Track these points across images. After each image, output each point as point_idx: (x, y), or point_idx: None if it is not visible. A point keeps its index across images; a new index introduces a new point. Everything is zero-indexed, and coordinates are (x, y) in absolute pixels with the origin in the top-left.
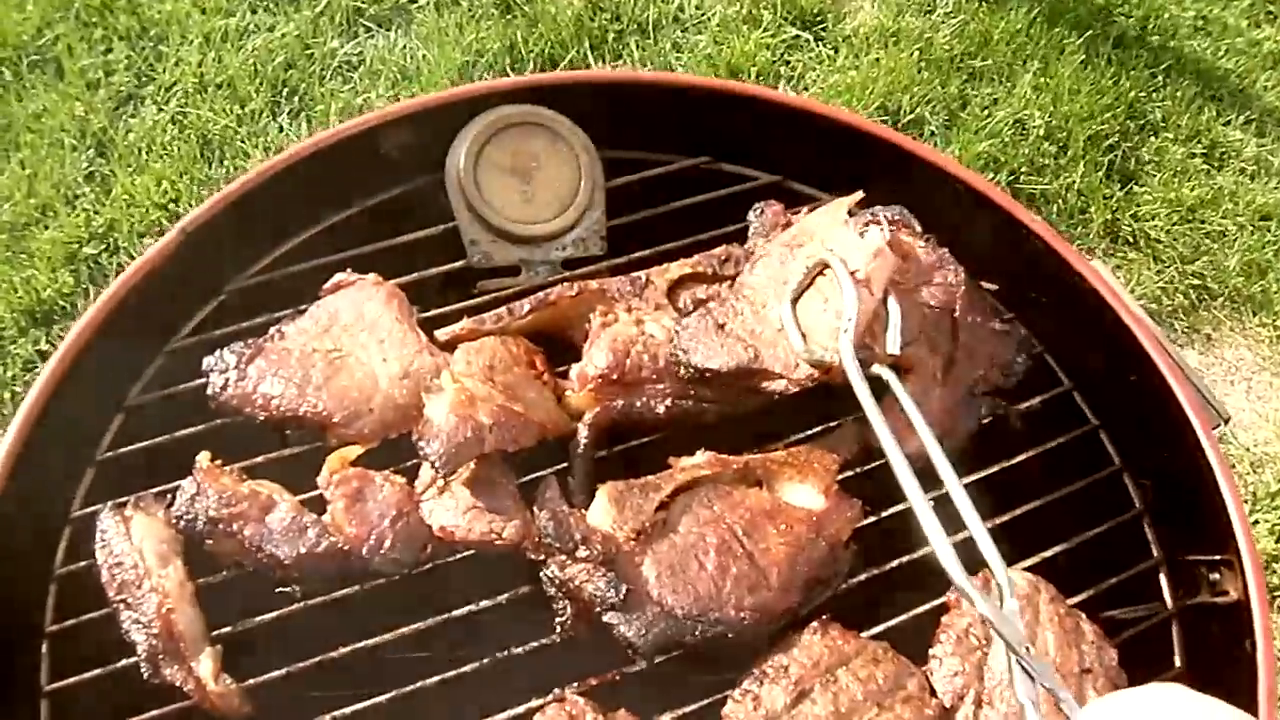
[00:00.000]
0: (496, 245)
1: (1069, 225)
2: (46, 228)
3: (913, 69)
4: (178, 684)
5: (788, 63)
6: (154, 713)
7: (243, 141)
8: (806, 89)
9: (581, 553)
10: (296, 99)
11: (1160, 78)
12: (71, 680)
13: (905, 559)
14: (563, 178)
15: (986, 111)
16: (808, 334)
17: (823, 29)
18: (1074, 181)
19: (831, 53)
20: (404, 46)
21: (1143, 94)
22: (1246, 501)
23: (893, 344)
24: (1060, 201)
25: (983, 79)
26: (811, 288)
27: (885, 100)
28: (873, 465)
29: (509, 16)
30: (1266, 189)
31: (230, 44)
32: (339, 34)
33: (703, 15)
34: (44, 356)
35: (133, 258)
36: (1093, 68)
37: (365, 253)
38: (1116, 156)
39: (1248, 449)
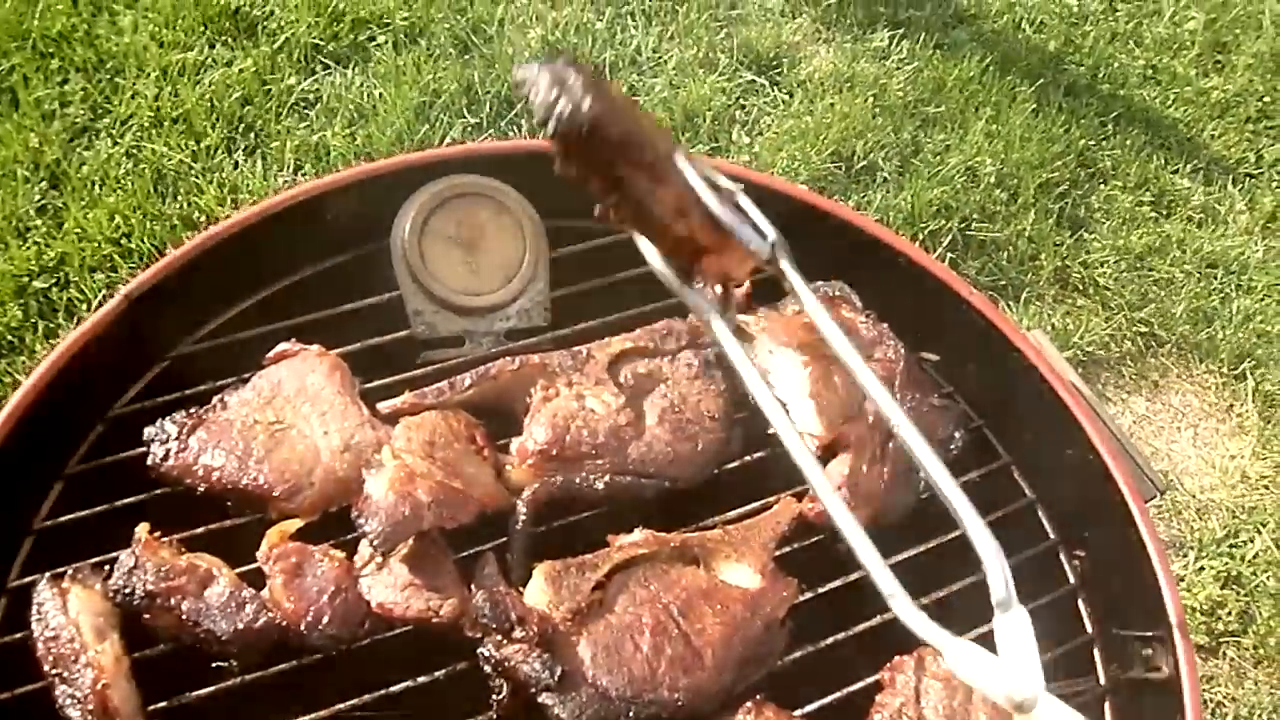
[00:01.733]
0: (440, 316)
1: (1019, 271)
2: None
3: (867, 115)
4: None
5: (743, 107)
6: None
7: (197, 177)
8: (761, 134)
9: (517, 633)
10: (253, 135)
11: (1110, 126)
12: None
13: (841, 635)
14: (508, 248)
15: (939, 158)
16: None
17: (778, 74)
18: (1024, 228)
19: (786, 97)
20: (361, 85)
21: (1093, 142)
22: (1193, 548)
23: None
24: (1011, 248)
25: (936, 125)
26: None
27: (839, 146)
28: (809, 540)
29: (466, 57)
30: (1213, 237)
31: (187, 78)
32: (296, 71)
33: (659, 58)
34: None
35: (83, 292)
36: (1044, 115)
37: (308, 320)
38: (1066, 204)
39: (1193, 495)
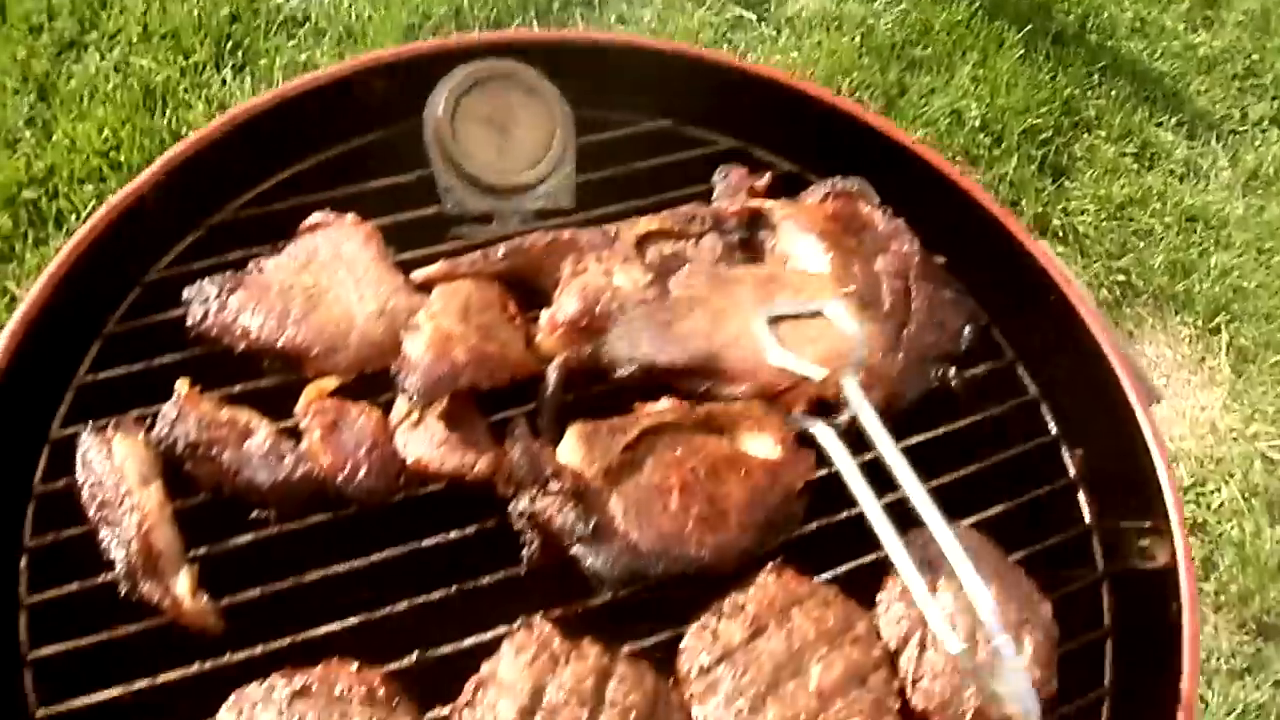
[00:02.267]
0: (470, 193)
1: None
2: None
3: (853, 54)
4: (154, 600)
5: (730, 41)
6: (130, 628)
7: (186, 92)
8: None
9: (552, 486)
10: (240, 52)
11: (1096, 76)
12: (50, 594)
13: (856, 510)
14: (537, 132)
15: (924, 100)
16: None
17: (766, 10)
18: (1007, 173)
19: (774, 33)
20: (349, 5)
21: (1078, 91)
22: None
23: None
24: (994, 192)
25: (922, 68)
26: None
27: (825, 84)
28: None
29: None
30: (1195, 191)
31: None
32: None
33: None
34: None
35: (72, 203)
36: (1031, 63)
37: (340, 195)
38: (1049, 151)
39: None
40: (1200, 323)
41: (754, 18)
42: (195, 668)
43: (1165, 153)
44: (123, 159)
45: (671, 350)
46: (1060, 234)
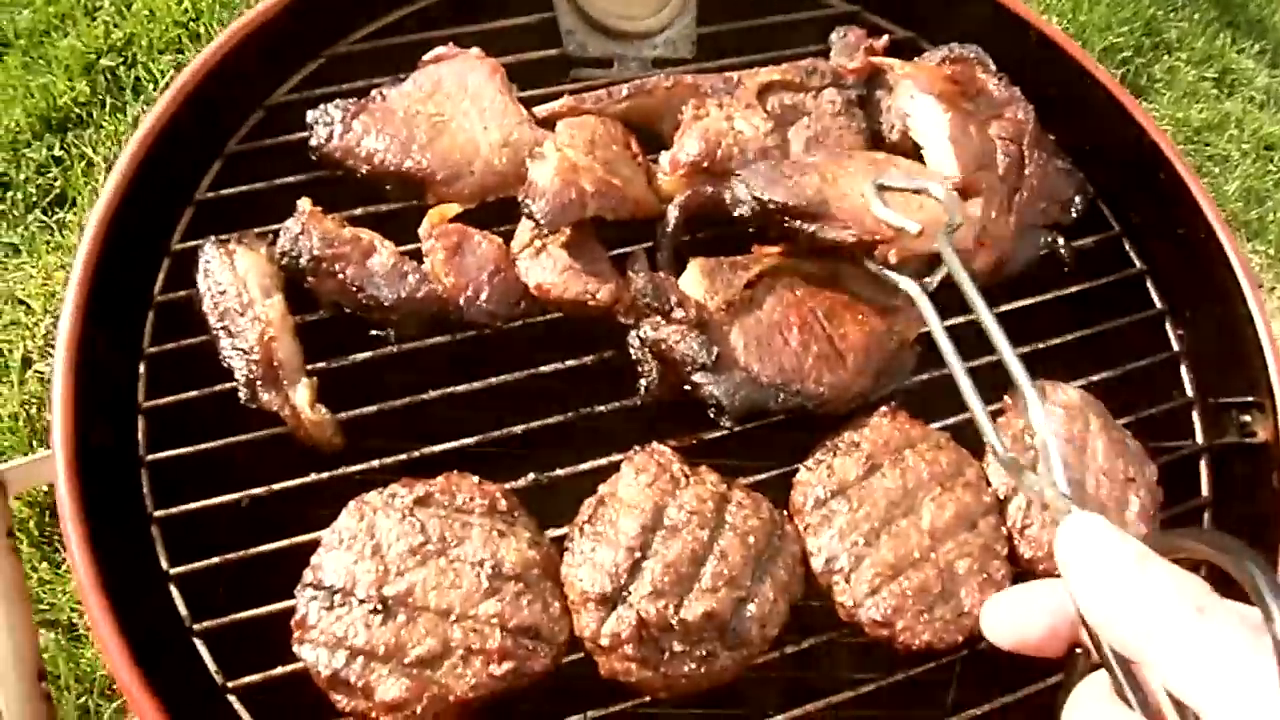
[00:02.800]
0: (592, 36)
1: None
2: (65, 35)
3: None
4: (274, 409)
5: None
6: (247, 436)
7: None
8: None
9: (676, 315)
10: None
11: None
12: (167, 400)
13: (968, 364)
14: None
15: None
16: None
17: None
18: None
19: None
20: None
21: (1161, 12)
22: None
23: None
24: None
25: None
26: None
27: None
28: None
29: None
30: (1274, 119)
31: None
32: None
33: None
34: (58, 162)
35: (150, 72)
36: None
37: (462, 33)
38: (1129, 70)
39: None
40: (1272, 251)
41: None
42: (312, 477)
43: (1246, 79)
44: (201, 30)
45: (787, 192)
46: None
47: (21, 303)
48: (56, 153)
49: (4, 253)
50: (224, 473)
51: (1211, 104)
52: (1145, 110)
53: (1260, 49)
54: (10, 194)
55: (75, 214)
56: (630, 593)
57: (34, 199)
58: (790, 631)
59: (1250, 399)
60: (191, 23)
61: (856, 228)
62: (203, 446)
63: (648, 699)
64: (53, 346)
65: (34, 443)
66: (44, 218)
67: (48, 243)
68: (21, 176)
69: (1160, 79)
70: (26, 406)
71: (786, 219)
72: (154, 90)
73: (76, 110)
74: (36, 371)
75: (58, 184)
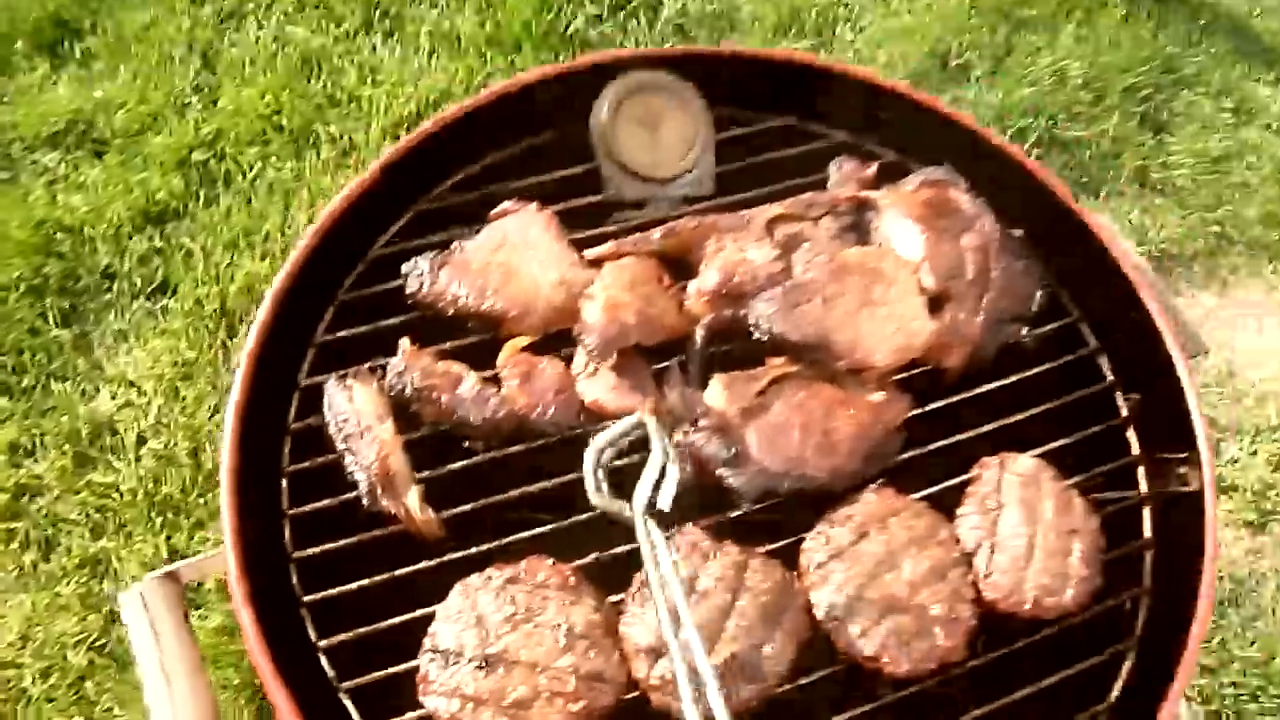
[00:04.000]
0: (628, 183)
1: (1100, 169)
2: (158, 134)
3: (963, 15)
4: (391, 512)
5: (845, 4)
6: (370, 534)
7: (339, 59)
8: (863, 30)
9: (702, 423)
10: (388, 20)
11: (1196, 34)
12: (307, 508)
13: (944, 442)
14: (683, 130)
15: (1029, 59)
16: None
17: None
18: (1108, 129)
19: None
20: None
21: (1178, 49)
22: (1249, 433)
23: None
24: (1094, 146)
25: (1028, 28)
26: None
27: (935, 44)
28: (916, 371)
29: None
30: None
31: None
32: None
33: None
34: (159, 253)
35: (239, 164)
36: (1133, 21)
37: (523, 185)
38: (1150, 107)
39: (1253, 384)
40: None
41: None
42: (423, 564)
43: (1262, 108)
44: (284, 122)
45: (794, 328)
46: (1159, 187)
47: (132, 384)
48: (157, 244)
49: (113, 339)
50: (355, 563)
51: (1230, 133)
52: (1164, 144)
53: (1275, 77)
54: (116, 284)
55: (177, 300)
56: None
57: (138, 288)
58: (798, 666)
59: (1185, 454)
60: (275, 115)
61: (846, 358)
62: (337, 544)
63: None
64: (164, 425)
65: (152, 515)
66: (148, 304)
67: (153, 328)
68: (125, 267)
69: (1181, 113)
70: (144, 482)
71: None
72: (243, 180)
73: (173, 203)
74: (150, 449)
75: (160, 273)
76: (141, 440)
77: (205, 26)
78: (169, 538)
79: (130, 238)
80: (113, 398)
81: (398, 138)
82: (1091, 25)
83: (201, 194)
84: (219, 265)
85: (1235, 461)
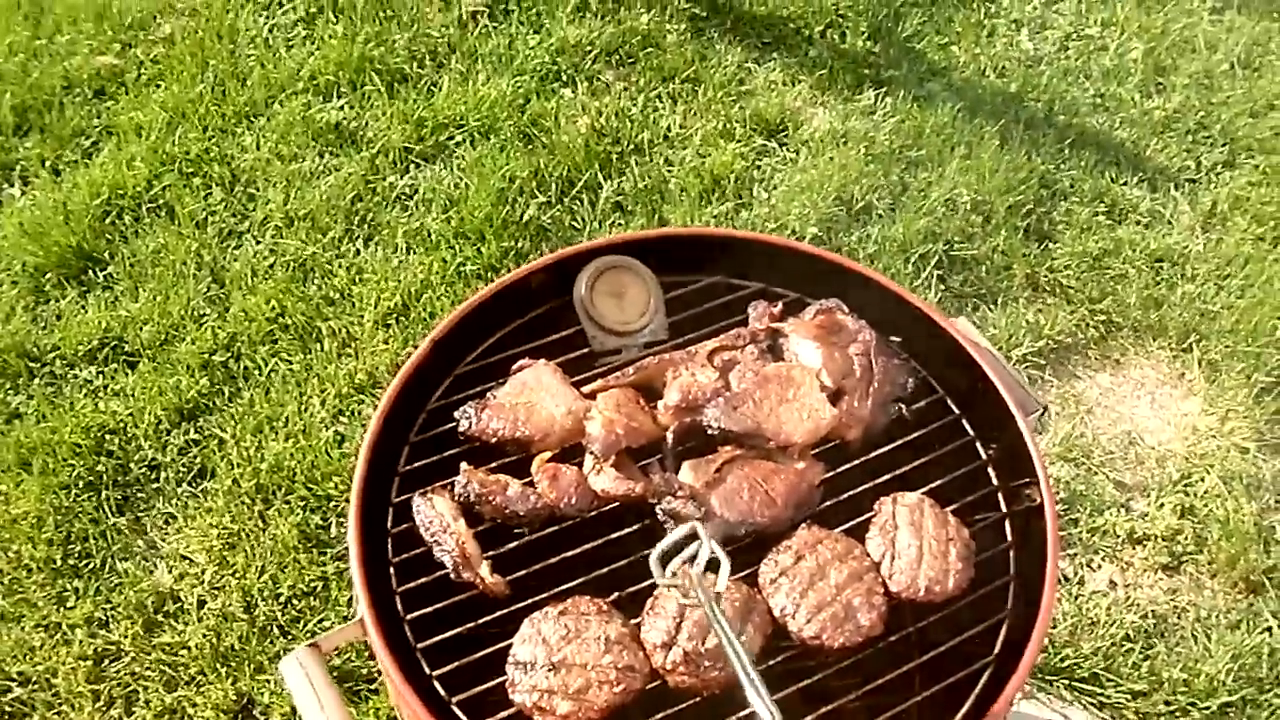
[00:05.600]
0: (606, 337)
1: (996, 280)
2: (181, 341)
3: (861, 164)
4: (470, 580)
5: (759, 167)
6: (459, 597)
7: (329, 263)
8: (776, 188)
9: (680, 493)
10: (367, 225)
11: (1066, 150)
12: (411, 584)
13: (851, 492)
14: (641, 296)
15: (923, 193)
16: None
17: (785, 136)
18: (998, 244)
19: (794, 156)
20: (448, 178)
21: (1052, 166)
22: (1154, 489)
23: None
24: (988, 261)
25: (918, 166)
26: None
27: (840, 192)
28: (827, 445)
29: (530, 146)
30: (1159, 236)
31: (306, 184)
32: (394, 170)
33: (687, 133)
34: (195, 444)
35: (255, 361)
36: (1009, 148)
37: (532, 346)
38: (1032, 220)
39: (1153, 448)
40: (1175, 344)
41: (775, 145)
42: (498, 613)
43: (1132, 207)
44: (289, 321)
45: (737, 424)
46: (1048, 288)
47: (185, 558)
48: (193, 436)
49: (164, 520)
50: (449, 617)
51: (1106, 233)
52: (1049, 250)
53: (1140, 179)
54: (161, 474)
55: (216, 482)
56: (677, 641)
57: (181, 475)
58: (766, 650)
59: (1028, 480)
60: (280, 317)
61: (775, 440)
62: (434, 606)
63: (697, 698)
64: (219, 588)
65: (217, 665)
66: (191, 489)
67: (198, 507)
68: (167, 459)
69: (1060, 221)
70: (208, 638)
71: (735, 437)
72: (260, 375)
73: (202, 400)
74: (210, 609)
75: (198, 461)
76: (201, 603)
77: (209, 247)
78: (234, 681)
79: (169, 433)
80: (169, 570)
81: (389, 326)
82: (973, 156)
83: (225, 390)
84: (249, 449)
85: (1145, 515)
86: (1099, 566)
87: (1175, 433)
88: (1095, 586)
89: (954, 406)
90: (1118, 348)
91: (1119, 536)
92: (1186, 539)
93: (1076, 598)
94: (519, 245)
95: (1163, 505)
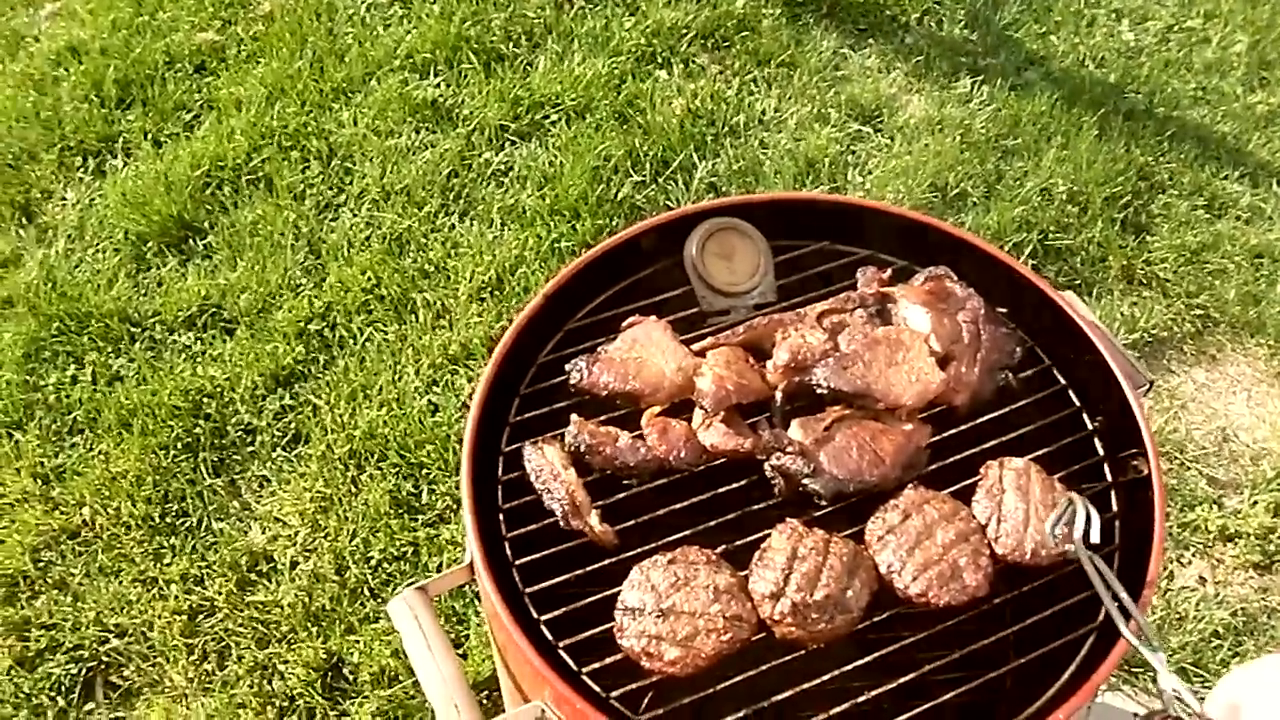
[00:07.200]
0: (715, 298)
1: (1091, 271)
2: (278, 310)
3: (956, 151)
4: (579, 529)
5: (853, 152)
6: (568, 544)
7: (424, 237)
8: (870, 173)
9: (790, 449)
10: (462, 200)
11: (1166, 143)
12: (520, 531)
13: (957, 457)
14: (751, 257)
15: (1018, 182)
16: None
17: (880, 122)
18: (1094, 236)
19: (889, 142)
20: (543, 155)
21: (1151, 158)
22: (1248, 487)
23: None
24: (1083, 253)
25: (1014, 155)
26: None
27: (934, 179)
28: (934, 410)
29: (625, 126)
30: (1259, 232)
31: (403, 159)
32: (490, 147)
33: (781, 117)
34: (290, 409)
35: (350, 330)
36: (1107, 139)
37: (643, 305)
38: (1129, 212)
39: (1248, 445)
40: (1273, 341)
41: (870, 130)
42: (606, 561)
43: (1232, 202)
44: (384, 293)
45: (846, 382)
46: (1144, 281)
47: (278, 520)
48: (288, 402)
49: (259, 484)
50: (557, 564)
51: (1205, 228)
52: (1145, 243)
53: (1241, 173)
54: (258, 438)
55: (310, 448)
56: (785, 592)
57: (275, 440)
58: (874, 604)
59: (1135, 450)
60: (375, 288)
61: (884, 401)
62: (543, 553)
63: (804, 651)
64: (311, 550)
65: (308, 624)
66: (285, 453)
67: (292, 472)
68: (263, 423)
69: (1158, 214)
70: (300, 598)
71: (845, 397)
72: (354, 344)
73: (298, 367)
74: (302, 570)
75: (293, 426)
76: (294, 564)
77: (306, 219)
78: (325, 640)
79: (264, 398)
80: (263, 531)
81: (483, 300)
82: (1070, 147)
83: (320, 358)
84: (342, 416)
85: (1238, 513)
86: (1189, 562)
87: (1271, 431)
88: (1184, 582)
89: (1060, 376)
90: (1214, 343)
91: (1210, 533)
92: (1278, 538)
93: (1165, 592)
94: (614, 223)
95: (1256, 503)
